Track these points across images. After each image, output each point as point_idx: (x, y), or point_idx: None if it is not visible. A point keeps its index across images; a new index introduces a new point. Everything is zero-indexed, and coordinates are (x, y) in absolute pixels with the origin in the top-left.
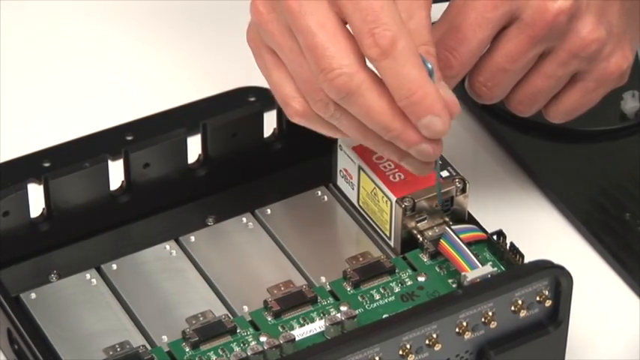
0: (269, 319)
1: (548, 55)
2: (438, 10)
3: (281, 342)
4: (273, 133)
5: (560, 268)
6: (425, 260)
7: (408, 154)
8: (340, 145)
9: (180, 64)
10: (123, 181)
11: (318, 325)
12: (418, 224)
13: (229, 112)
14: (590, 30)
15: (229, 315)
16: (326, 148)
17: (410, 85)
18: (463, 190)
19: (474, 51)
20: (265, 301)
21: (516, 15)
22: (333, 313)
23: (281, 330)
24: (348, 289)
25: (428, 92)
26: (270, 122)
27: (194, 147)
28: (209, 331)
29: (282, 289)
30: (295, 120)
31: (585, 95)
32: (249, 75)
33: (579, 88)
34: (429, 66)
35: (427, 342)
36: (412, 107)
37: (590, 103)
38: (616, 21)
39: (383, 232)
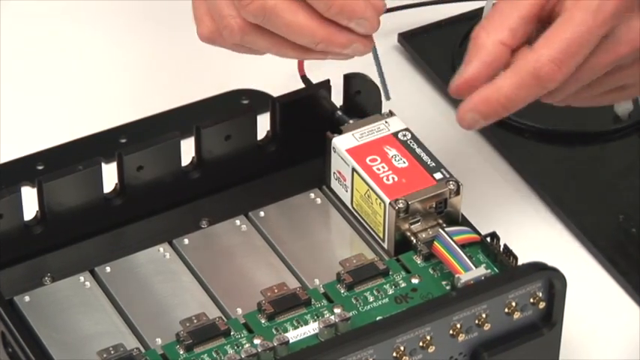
0: (263, 321)
1: (614, 70)
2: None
3: (275, 344)
4: (266, 136)
5: (554, 270)
6: (418, 262)
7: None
8: (334, 148)
9: (173, 67)
10: (116, 184)
11: (311, 328)
12: (412, 226)
13: (223, 115)
14: None
15: (223, 317)
16: (319, 150)
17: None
18: (457, 193)
19: (577, 65)
20: (259, 304)
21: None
22: (327, 315)
23: (275, 332)
24: (342, 292)
25: (344, 1)
26: (263, 125)
27: (188, 149)
28: (203, 333)
29: (276, 291)
30: (203, 41)
31: (613, 100)
32: (243, 77)
33: (616, 94)
34: None
35: (421, 344)
36: (336, 17)
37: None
38: None
39: (376, 234)
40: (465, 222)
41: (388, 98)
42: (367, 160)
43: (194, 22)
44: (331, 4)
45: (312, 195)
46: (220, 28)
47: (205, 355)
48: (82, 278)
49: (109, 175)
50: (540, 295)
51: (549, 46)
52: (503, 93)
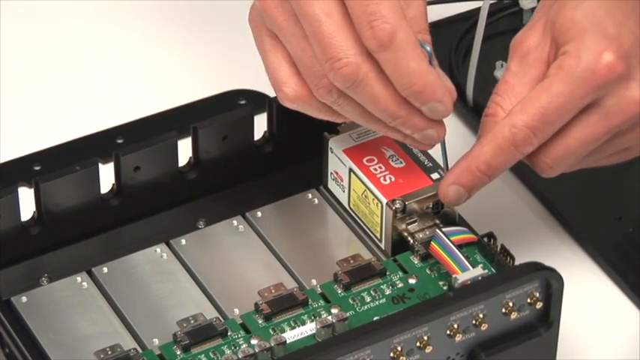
0: (260, 321)
1: (611, 138)
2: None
3: (272, 345)
4: (263, 136)
5: (551, 270)
6: (415, 262)
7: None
8: (331, 148)
9: (170, 67)
10: (113, 185)
11: (309, 328)
12: (409, 226)
13: (220, 115)
14: None
15: (220, 318)
16: (316, 150)
17: (410, 76)
18: None
19: (554, 131)
20: (256, 304)
21: (598, 100)
22: (324, 315)
23: (272, 333)
24: (339, 292)
25: (428, 81)
26: (260, 125)
27: (185, 150)
28: (200, 333)
29: (273, 291)
30: (286, 104)
31: (619, 160)
32: (240, 78)
33: (620, 155)
34: (428, 49)
35: (418, 344)
36: (414, 96)
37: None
38: None
39: (374, 234)
40: (461, 222)
41: None
42: (364, 160)
43: (272, 86)
44: (415, 82)
45: (310, 195)
46: (315, 87)
47: (202, 355)
48: (79, 279)
49: (106, 176)
50: (537, 295)
51: (525, 112)
52: (482, 160)
